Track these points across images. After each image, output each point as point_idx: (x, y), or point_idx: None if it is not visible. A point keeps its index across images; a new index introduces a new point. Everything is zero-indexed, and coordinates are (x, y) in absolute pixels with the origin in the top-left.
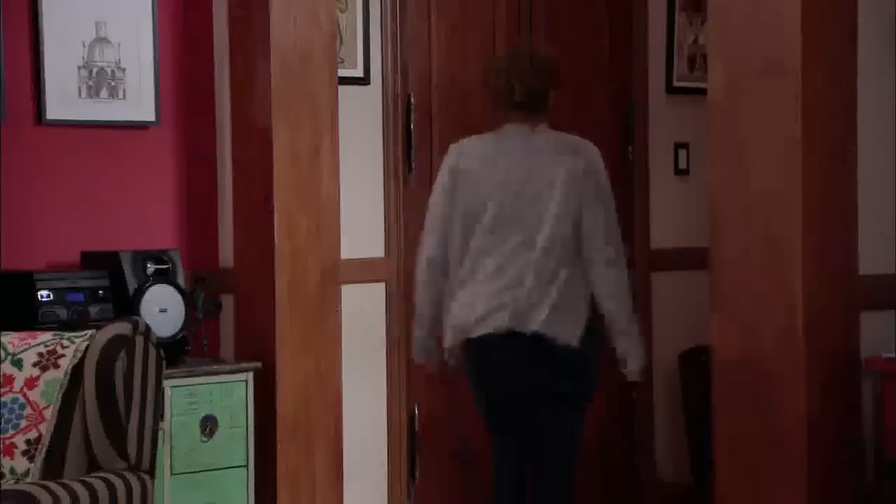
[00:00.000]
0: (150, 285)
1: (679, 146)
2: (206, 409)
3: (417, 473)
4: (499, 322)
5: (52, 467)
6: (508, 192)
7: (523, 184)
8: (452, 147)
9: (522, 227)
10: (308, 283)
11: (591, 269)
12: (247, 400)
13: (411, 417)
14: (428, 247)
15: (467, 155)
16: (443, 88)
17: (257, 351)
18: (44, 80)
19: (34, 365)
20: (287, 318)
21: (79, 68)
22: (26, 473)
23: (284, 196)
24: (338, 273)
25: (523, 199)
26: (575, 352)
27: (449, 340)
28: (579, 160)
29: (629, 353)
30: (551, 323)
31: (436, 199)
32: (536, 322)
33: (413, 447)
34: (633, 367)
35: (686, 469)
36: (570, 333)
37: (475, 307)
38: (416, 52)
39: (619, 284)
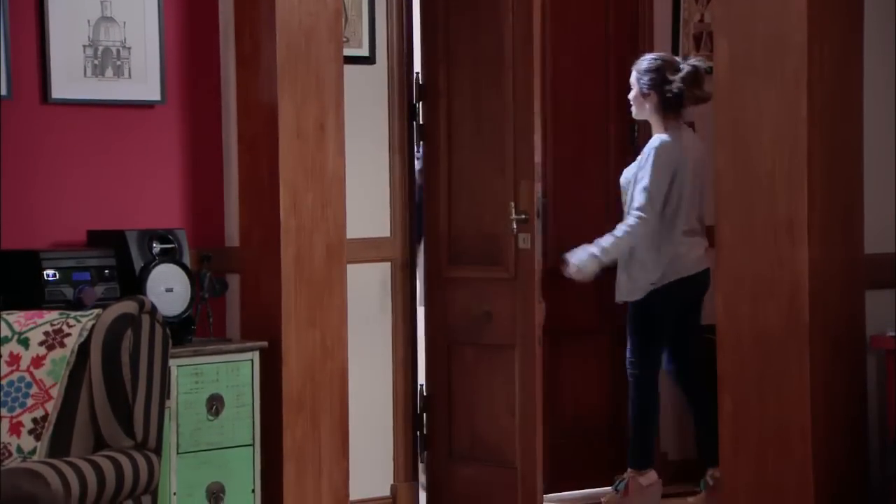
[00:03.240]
0: (156, 264)
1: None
2: (212, 388)
3: (426, 453)
4: None
5: (59, 445)
6: None
7: None
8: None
9: None
10: (314, 260)
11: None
12: (252, 379)
13: (416, 395)
14: None
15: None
16: (455, 67)
17: (263, 329)
18: (49, 58)
19: (40, 344)
20: (293, 294)
21: (84, 47)
22: (33, 452)
23: (290, 173)
24: (344, 249)
25: None
26: None
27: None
28: None
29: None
30: None
31: None
32: None
33: (418, 424)
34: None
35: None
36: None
37: None
38: (426, 30)
39: None
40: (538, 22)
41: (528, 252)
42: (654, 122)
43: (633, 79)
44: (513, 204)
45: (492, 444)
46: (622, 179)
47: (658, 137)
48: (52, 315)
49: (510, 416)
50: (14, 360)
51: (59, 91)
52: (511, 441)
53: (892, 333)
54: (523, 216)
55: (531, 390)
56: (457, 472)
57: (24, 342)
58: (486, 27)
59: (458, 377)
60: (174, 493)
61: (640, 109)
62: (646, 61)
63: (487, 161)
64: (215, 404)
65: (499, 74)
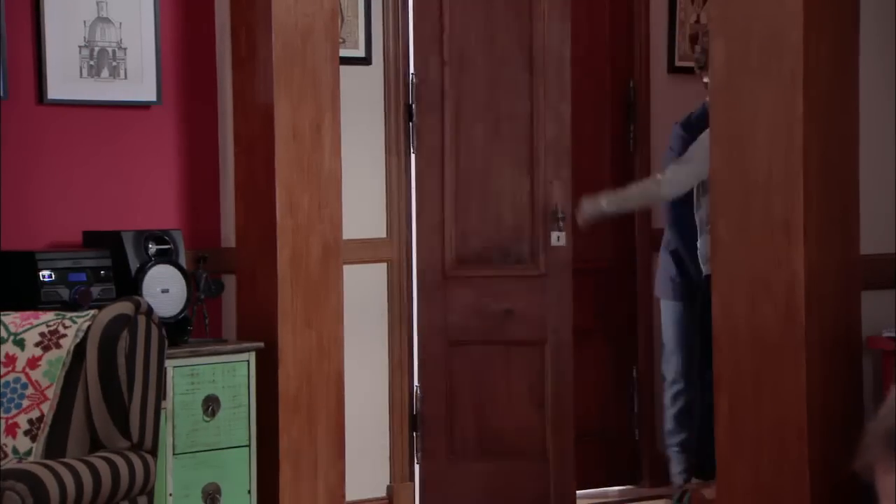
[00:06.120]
0: (152, 265)
1: None
2: (208, 389)
3: (420, 454)
4: None
5: (55, 447)
6: None
7: None
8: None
9: None
10: (310, 261)
11: None
12: (249, 379)
13: (413, 395)
14: None
15: None
16: (457, 67)
17: (259, 330)
18: (45, 59)
19: (36, 345)
20: (289, 295)
21: (80, 48)
22: (29, 453)
23: (286, 174)
24: (340, 250)
25: None
26: None
27: None
28: None
29: None
30: None
31: None
32: None
33: (414, 425)
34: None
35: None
36: None
37: None
38: (425, 29)
39: None
40: (567, 25)
41: (562, 249)
42: None
43: None
44: (538, 203)
45: (506, 442)
46: None
47: None
48: (48, 316)
49: (533, 413)
50: (10, 360)
51: (54, 92)
52: (529, 437)
53: (889, 334)
54: (560, 215)
55: (566, 385)
56: (453, 472)
57: (20, 343)
58: (505, 28)
59: (460, 376)
60: (170, 494)
61: None
62: None
63: (507, 162)
64: (211, 405)
65: (518, 76)
